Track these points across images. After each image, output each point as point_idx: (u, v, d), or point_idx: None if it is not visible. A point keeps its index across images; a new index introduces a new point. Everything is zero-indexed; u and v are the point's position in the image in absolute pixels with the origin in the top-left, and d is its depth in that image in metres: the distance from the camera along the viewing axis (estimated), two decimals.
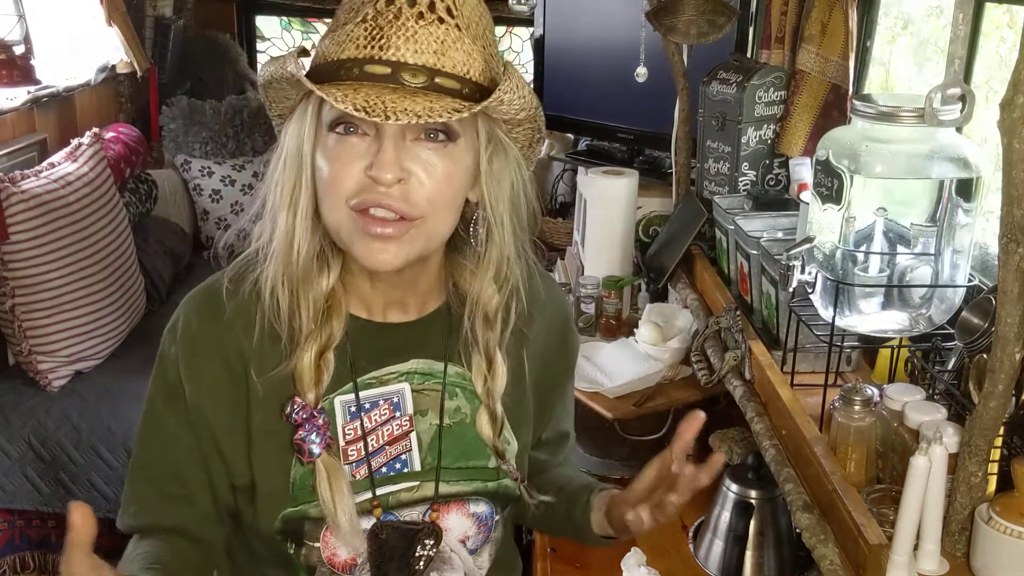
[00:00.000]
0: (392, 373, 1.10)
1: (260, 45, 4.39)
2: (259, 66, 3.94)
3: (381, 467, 1.09)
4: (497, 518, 1.16)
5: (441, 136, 0.97)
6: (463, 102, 0.94)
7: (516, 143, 1.05)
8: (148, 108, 3.78)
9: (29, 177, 2.67)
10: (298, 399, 1.04)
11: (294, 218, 1.01)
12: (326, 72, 0.96)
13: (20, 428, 2.57)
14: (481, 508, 1.14)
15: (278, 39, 4.42)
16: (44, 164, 2.82)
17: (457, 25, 0.95)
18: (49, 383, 2.67)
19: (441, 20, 0.95)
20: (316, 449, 1.04)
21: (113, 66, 3.46)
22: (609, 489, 1.19)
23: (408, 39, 0.94)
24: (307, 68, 0.98)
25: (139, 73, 3.49)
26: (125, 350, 2.85)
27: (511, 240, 1.06)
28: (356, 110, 0.89)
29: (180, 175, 3.70)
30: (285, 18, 4.39)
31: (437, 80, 0.94)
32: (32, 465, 2.58)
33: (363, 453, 1.08)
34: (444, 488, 1.11)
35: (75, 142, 2.94)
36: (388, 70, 0.93)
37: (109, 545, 3.17)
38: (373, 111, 0.89)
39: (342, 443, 1.08)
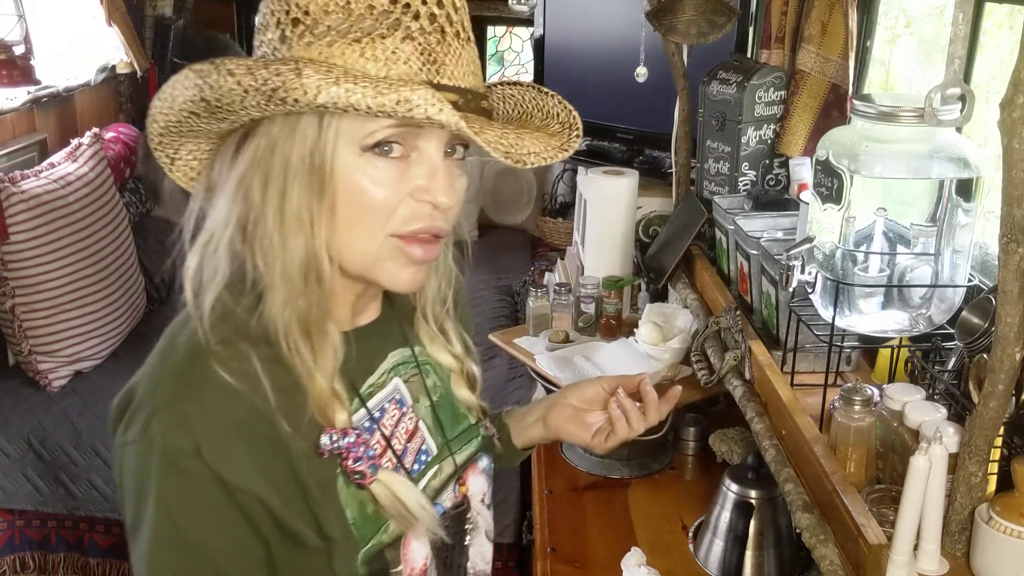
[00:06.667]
0: (383, 373, 1.09)
1: None
2: None
3: (413, 465, 1.09)
4: (493, 466, 1.22)
5: (462, 152, 0.95)
6: (564, 136, 0.95)
7: None
8: (148, 108, 3.77)
9: (29, 177, 2.67)
10: (330, 430, 0.95)
11: (314, 243, 0.90)
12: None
13: (20, 428, 2.57)
14: (485, 462, 1.18)
15: None
16: (44, 164, 2.83)
17: (470, 39, 0.93)
18: (49, 383, 2.67)
19: (469, 39, 0.91)
20: (371, 467, 0.98)
21: (113, 66, 3.47)
22: (512, 408, 1.34)
23: (457, 61, 0.89)
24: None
25: (139, 73, 3.49)
26: (125, 350, 2.86)
27: None
28: (505, 157, 0.86)
29: None
30: None
31: (482, 104, 0.92)
32: (32, 465, 2.58)
33: (396, 461, 1.06)
34: (458, 458, 1.14)
35: (75, 142, 2.94)
36: (456, 97, 0.88)
37: (108, 545, 3.17)
38: (511, 154, 0.87)
39: None
